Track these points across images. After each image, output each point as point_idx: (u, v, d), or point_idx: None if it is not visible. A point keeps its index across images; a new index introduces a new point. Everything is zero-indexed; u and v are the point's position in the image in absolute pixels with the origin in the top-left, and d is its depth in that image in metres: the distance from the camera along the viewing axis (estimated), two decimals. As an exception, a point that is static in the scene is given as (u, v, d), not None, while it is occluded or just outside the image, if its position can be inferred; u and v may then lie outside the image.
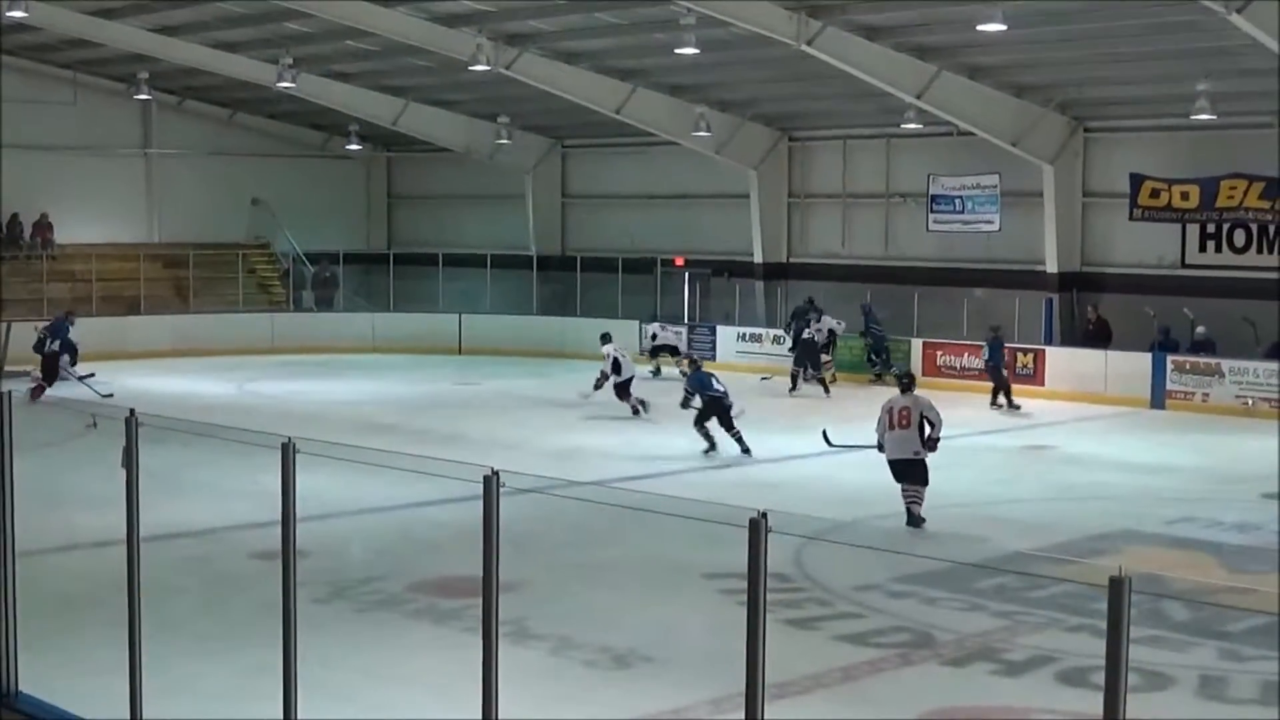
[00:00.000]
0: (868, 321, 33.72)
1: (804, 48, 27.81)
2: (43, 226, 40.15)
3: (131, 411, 8.99)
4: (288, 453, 8.20)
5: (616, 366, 27.53)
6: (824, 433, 21.39)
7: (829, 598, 14.22)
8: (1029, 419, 28.01)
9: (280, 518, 8.30)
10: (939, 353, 32.81)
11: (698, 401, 23.67)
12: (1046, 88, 31.42)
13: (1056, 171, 32.36)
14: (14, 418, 9.86)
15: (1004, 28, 24.66)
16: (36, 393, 28.11)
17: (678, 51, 28.20)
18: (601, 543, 15.85)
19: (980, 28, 25.02)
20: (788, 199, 38.12)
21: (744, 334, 35.67)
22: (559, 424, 26.75)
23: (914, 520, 17.34)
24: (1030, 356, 30.92)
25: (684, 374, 27.63)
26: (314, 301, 42.60)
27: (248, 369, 33.63)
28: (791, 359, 32.18)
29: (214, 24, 34.54)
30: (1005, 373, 29.48)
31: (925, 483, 17.52)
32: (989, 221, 34.00)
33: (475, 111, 40.68)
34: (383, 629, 13.16)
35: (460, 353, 37.88)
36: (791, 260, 38.11)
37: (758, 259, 37.99)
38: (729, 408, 23.06)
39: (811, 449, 23.51)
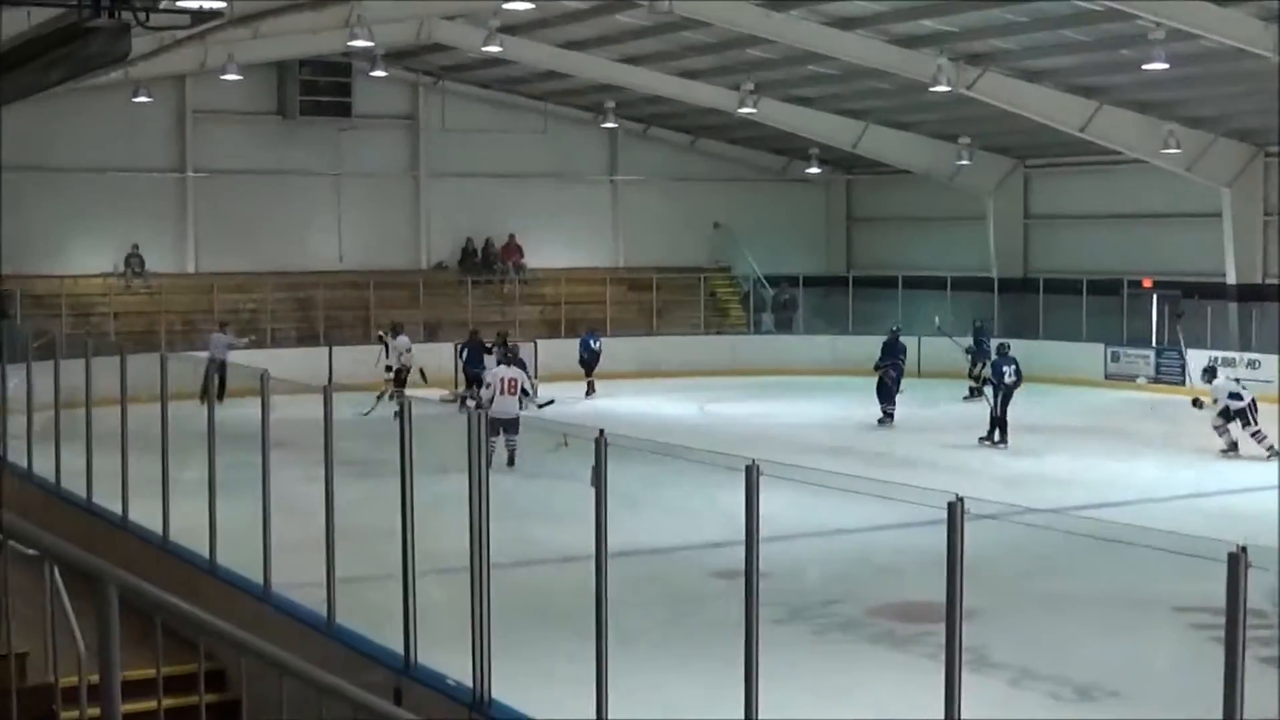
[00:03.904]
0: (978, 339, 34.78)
1: (1281, 60, 26.65)
2: (512, 250, 41.83)
3: (600, 432, 9.24)
4: (751, 475, 8.27)
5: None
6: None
7: (1309, 637, 13.54)
8: None
9: (743, 538, 8.37)
10: None
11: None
12: None
13: None
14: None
15: None
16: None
17: (1145, 67, 27.45)
18: (1062, 572, 15.50)
19: None
20: (1262, 217, 36.51)
21: (1216, 358, 34.19)
22: (1017, 448, 26.26)
23: (513, 459, 22.45)
24: None
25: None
26: (773, 324, 43.05)
27: (708, 390, 34.15)
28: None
29: (677, 53, 35.35)
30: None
31: (518, 432, 22.60)
32: None
33: (936, 132, 40.43)
34: (842, 651, 13.18)
35: (920, 375, 37.62)
36: (1267, 281, 36.45)
37: (1230, 280, 36.45)
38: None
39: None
